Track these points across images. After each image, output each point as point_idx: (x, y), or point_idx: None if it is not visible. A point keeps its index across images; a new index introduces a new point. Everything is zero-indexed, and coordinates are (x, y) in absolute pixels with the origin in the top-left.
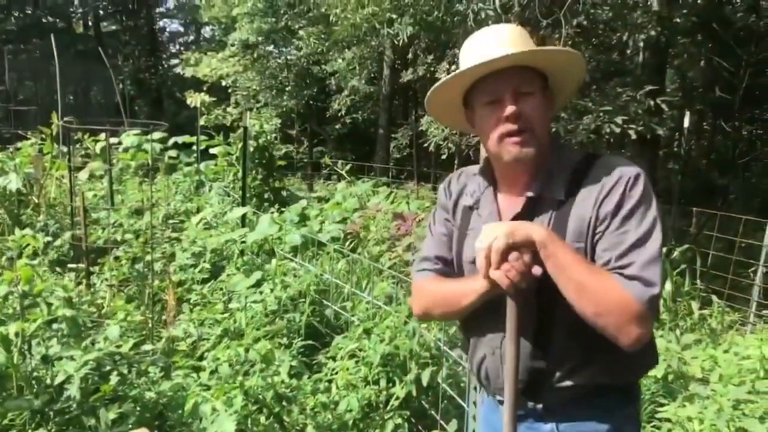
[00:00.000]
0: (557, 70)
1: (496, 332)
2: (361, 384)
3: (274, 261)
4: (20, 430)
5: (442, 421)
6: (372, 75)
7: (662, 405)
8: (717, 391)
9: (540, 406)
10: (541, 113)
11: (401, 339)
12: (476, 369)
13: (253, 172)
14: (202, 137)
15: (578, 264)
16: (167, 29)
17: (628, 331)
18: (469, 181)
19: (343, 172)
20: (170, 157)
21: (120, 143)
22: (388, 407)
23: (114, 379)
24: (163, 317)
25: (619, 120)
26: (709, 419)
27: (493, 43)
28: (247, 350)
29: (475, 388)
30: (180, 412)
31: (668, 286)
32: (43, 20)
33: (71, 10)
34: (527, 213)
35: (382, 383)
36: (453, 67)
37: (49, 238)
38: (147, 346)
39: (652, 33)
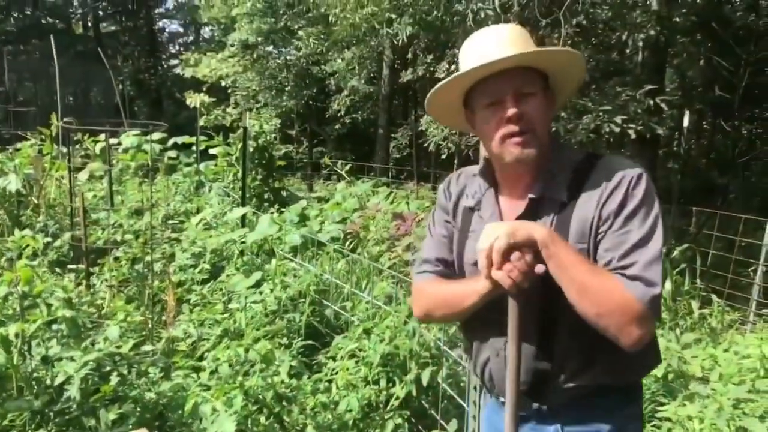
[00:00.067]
0: (558, 70)
1: (499, 335)
2: (361, 384)
3: (273, 261)
4: (20, 431)
5: (442, 421)
6: (371, 75)
7: (662, 404)
8: (717, 390)
9: (545, 407)
10: (543, 114)
11: (401, 339)
12: (480, 371)
13: (253, 172)
14: (202, 138)
15: (580, 264)
16: (167, 30)
17: (629, 332)
18: (469, 182)
19: (343, 172)
20: (170, 158)
21: (120, 144)
22: (388, 407)
23: (114, 379)
24: (163, 318)
25: (618, 119)
26: (709, 418)
27: (494, 43)
28: (247, 350)
29: (475, 388)
30: (180, 412)
31: (668, 285)
32: (43, 21)
33: (71, 10)
34: (530, 214)
35: (382, 383)
36: (453, 66)
37: (49, 239)
38: (147, 347)
39: (652, 32)
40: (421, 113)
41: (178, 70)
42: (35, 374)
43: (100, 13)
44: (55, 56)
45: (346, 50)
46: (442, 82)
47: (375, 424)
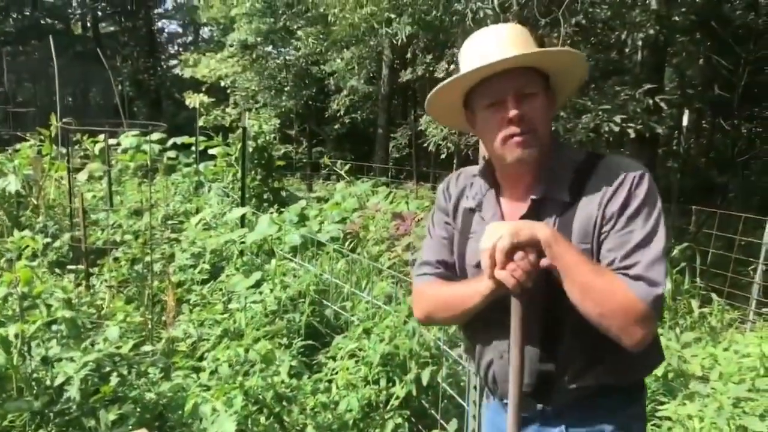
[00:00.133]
0: (560, 70)
1: (502, 336)
2: (361, 384)
3: (273, 261)
4: None
5: (442, 421)
6: (371, 75)
7: (662, 403)
8: (717, 389)
9: (549, 408)
10: (544, 114)
11: (401, 339)
12: (483, 373)
13: (252, 172)
14: (201, 138)
15: (583, 264)
16: (166, 30)
17: (632, 332)
18: (469, 183)
19: (342, 172)
20: (169, 158)
21: (119, 144)
22: (388, 407)
23: (114, 380)
24: (163, 318)
25: (617, 119)
26: (709, 417)
27: (494, 43)
28: (247, 350)
29: (475, 387)
30: (180, 412)
31: (668, 284)
32: (42, 22)
33: (70, 11)
34: (532, 215)
35: (382, 383)
36: (452, 66)
37: (49, 240)
38: (147, 347)
39: (651, 31)
40: (421, 113)
41: (177, 71)
42: (35, 375)
43: (99, 13)
44: (54, 57)
45: (345, 50)
46: (443, 82)
47: (375, 424)
